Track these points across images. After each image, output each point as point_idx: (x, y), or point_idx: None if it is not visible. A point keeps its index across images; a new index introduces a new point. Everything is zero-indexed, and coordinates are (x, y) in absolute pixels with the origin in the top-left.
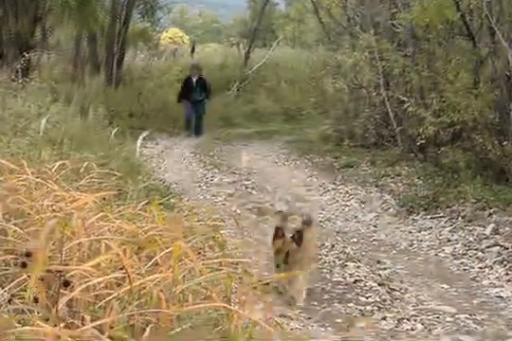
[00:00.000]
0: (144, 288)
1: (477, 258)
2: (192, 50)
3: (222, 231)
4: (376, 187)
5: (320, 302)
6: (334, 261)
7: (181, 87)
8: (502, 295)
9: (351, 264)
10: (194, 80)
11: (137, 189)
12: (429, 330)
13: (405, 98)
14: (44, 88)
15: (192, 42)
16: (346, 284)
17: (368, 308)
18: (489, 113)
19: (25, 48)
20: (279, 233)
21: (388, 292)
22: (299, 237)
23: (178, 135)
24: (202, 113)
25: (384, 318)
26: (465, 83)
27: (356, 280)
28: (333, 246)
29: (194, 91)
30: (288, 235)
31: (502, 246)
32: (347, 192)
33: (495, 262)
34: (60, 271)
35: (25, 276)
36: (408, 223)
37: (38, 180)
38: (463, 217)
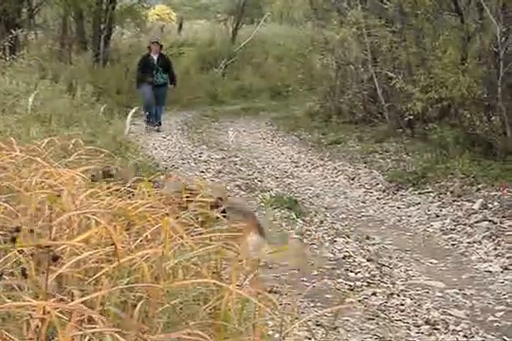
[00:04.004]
0: (134, 264)
1: (466, 233)
2: (180, 27)
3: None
4: (365, 163)
5: (310, 278)
6: (323, 237)
7: (139, 68)
8: (490, 269)
9: (340, 240)
10: (155, 58)
11: (126, 166)
12: (419, 304)
13: (393, 75)
14: (31, 66)
15: (179, 18)
16: (335, 260)
17: (357, 283)
18: (477, 88)
19: (11, 26)
20: None
21: (377, 267)
22: None
23: (166, 112)
24: (164, 102)
25: (374, 294)
26: (452, 59)
27: (345, 256)
28: (321, 222)
29: (156, 72)
30: None
31: (490, 221)
32: (335, 168)
33: (484, 237)
34: (49, 246)
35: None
36: (396, 198)
37: (27, 157)
38: (451, 192)
